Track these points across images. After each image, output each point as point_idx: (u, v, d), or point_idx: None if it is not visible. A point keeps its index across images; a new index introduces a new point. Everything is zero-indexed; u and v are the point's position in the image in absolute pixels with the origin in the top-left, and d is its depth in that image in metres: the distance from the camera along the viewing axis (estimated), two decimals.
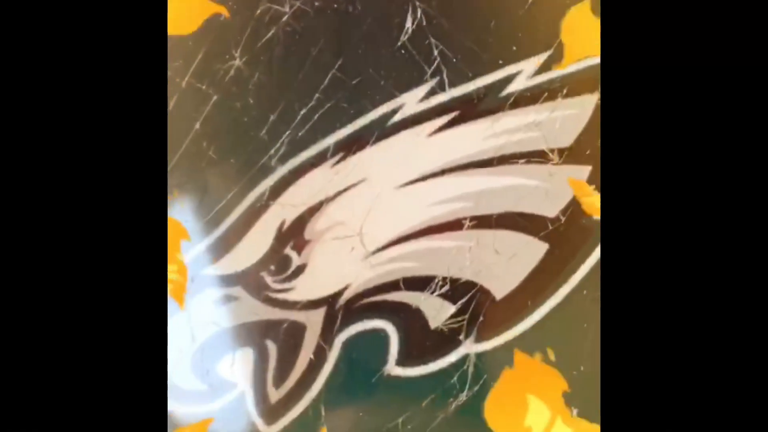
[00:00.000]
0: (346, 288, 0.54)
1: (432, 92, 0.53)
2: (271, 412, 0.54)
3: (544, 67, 0.53)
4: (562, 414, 0.54)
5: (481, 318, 0.53)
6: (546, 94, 0.53)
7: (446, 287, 0.53)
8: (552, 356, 0.54)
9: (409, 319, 0.53)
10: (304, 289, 0.54)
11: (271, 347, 0.54)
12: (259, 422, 0.54)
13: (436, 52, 0.53)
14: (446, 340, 0.53)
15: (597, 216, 0.53)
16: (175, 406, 0.54)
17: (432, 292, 0.53)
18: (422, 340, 0.53)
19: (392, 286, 0.53)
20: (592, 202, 0.53)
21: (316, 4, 0.53)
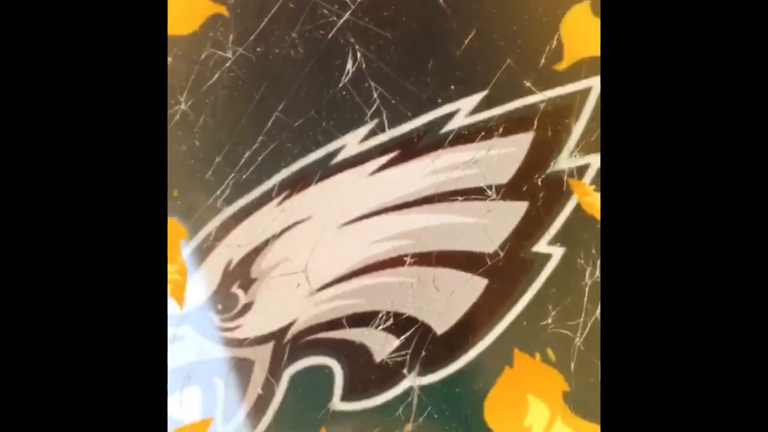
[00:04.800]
0: (292, 323, 0.55)
1: (372, 133, 0.55)
2: None
3: (481, 106, 0.54)
4: None
5: (423, 352, 0.54)
6: (483, 132, 0.54)
7: (390, 321, 0.54)
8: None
9: (353, 354, 0.55)
10: (251, 325, 0.55)
11: (219, 384, 0.55)
12: None
13: (375, 95, 0.54)
14: (391, 373, 0.55)
15: (597, 216, 0.54)
16: None
17: (376, 327, 0.55)
18: (367, 374, 0.55)
19: (336, 323, 0.55)
20: (592, 202, 0.54)
21: (258, 49, 0.55)
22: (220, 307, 0.55)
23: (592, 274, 0.54)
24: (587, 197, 0.54)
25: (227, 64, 0.55)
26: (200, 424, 0.55)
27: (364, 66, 0.54)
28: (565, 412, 0.55)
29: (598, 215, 0.54)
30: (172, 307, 0.55)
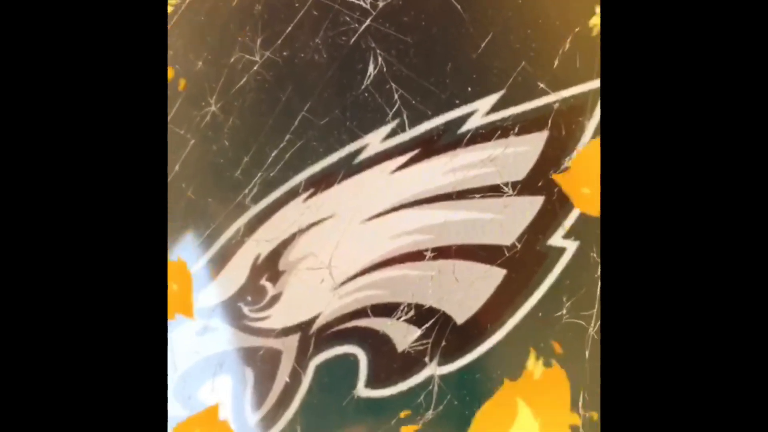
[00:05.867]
0: (317, 316, 0.58)
1: (394, 132, 0.57)
2: None
3: (498, 106, 0.57)
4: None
5: (444, 342, 0.57)
6: (499, 131, 0.56)
7: (411, 313, 0.57)
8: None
9: (377, 343, 0.57)
10: (279, 317, 0.58)
11: (248, 373, 0.58)
12: None
13: (396, 95, 0.57)
14: (412, 362, 0.57)
15: (596, 215, 0.56)
16: None
17: (398, 318, 0.57)
18: (390, 363, 0.57)
19: (361, 313, 0.57)
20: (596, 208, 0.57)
21: (285, 53, 0.58)
22: (249, 299, 0.58)
23: None
24: (592, 207, 0.56)
25: (255, 68, 0.57)
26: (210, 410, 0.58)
27: (385, 69, 0.57)
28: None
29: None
30: (204, 300, 0.58)
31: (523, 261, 0.57)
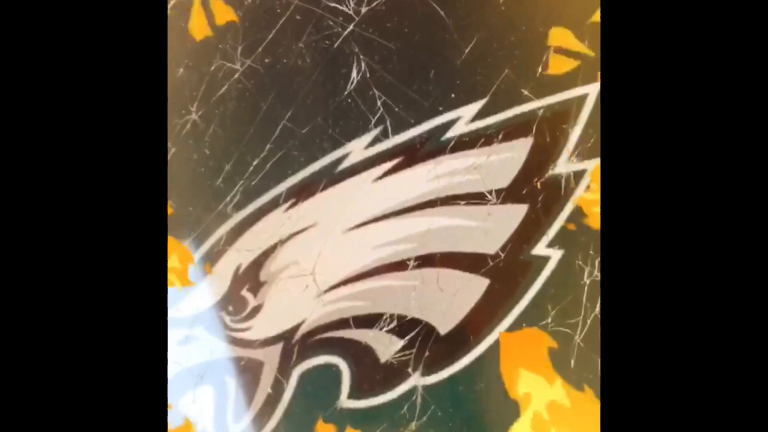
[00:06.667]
0: (301, 323, 0.57)
1: (377, 140, 0.56)
2: None
3: (481, 113, 0.56)
4: None
5: (427, 352, 0.56)
6: (483, 139, 0.56)
7: (393, 324, 0.56)
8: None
9: (359, 354, 0.56)
10: (260, 327, 0.57)
11: (230, 383, 0.57)
12: None
13: (379, 102, 0.56)
14: (395, 373, 0.56)
15: (595, 220, 0.56)
16: None
17: (380, 329, 0.56)
18: (373, 374, 0.56)
19: (343, 323, 0.57)
20: (596, 212, 0.56)
21: (266, 60, 0.57)
22: (230, 309, 0.57)
23: (590, 274, 0.55)
24: (594, 208, 0.56)
25: (236, 76, 0.57)
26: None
27: (368, 75, 0.56)
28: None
29: (596, 220, 0.55)
30: (185, 309, 0.57)
31: (507, 270, 0.56)
